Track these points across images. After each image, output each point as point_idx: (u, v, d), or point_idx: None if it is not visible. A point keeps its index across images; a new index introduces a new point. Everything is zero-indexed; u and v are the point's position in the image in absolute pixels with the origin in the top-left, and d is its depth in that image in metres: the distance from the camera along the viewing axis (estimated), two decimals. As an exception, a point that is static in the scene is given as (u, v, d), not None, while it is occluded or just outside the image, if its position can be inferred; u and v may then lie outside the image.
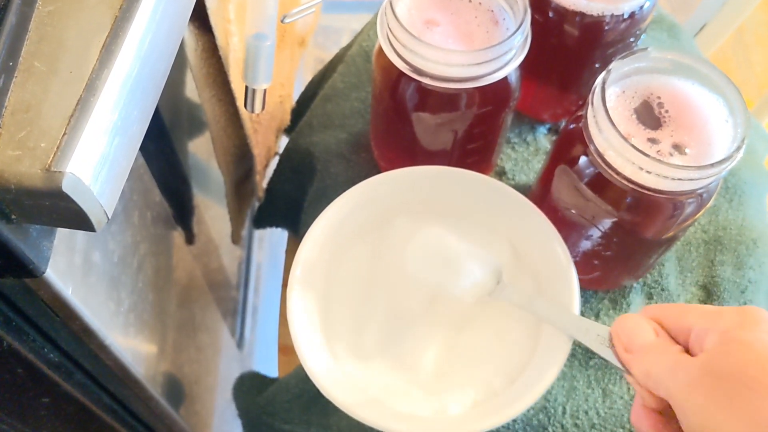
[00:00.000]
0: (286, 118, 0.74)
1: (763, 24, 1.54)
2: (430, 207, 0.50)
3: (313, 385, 0.43)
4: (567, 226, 0.49)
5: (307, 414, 0.57)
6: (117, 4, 0.30)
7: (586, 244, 0.51)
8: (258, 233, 1.07)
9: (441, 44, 0.48)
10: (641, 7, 0.52)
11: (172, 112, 0.59)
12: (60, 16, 0.29)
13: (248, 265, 1.01)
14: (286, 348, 0.71)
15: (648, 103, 0.45)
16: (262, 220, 0.78)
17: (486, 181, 0.49)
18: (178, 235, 0.63)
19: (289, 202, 0.72)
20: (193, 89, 0.57)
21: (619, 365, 0.37)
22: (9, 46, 0.28)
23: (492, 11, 0.50)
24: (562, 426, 0.52)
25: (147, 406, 0.52)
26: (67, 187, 0.26)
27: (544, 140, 0.65)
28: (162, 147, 0.57)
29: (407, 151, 0.57)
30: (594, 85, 0.43)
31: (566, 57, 0.57)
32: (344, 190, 0.48)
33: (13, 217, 0.28)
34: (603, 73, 0.43)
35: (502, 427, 0.52)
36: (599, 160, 0.43)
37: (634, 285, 0.58)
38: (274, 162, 0.74)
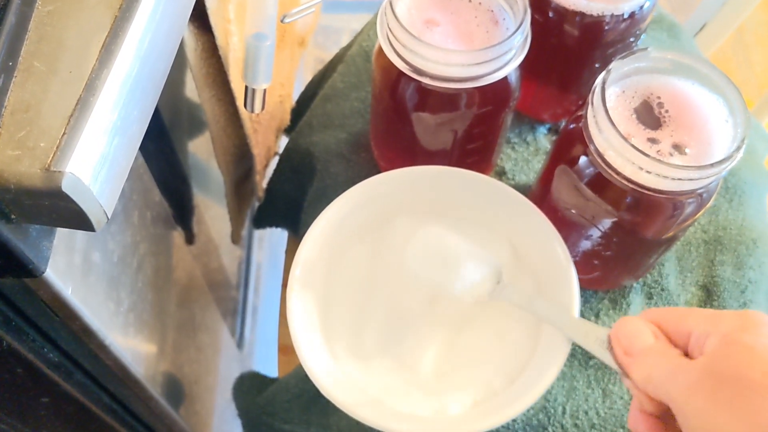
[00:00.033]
0: (286, 118, 0.74)
1: (763, 24, 1.54)
2: (429, 207, 0.50)
3: (313, 385, 0.43)
4: (567, 226, 0.49)
5: (307, 414, 0.57)
6: (117, 4, 0.30)
7: (586, 244, 0.51)
8: (258, 233, 1.07)
9: (441, 44, 0.48)
10: (641, 7, 0.52)
11: (171, 111, 0.59)
12: (60, 16, 0.29)
13: (248, 265, 1.01)
14: (286, 348, 0.71)
15: (648, 103, 0.45)
16: (261, 220, 0.78)
17: (486, 181, 0.49)
18: (177, 235, 0.63)
19: (288, 202, 0.72)
20: (192, 89, 0.57)
21: (617, 368, 0.37)
22: (9, 45, 0.28)
23: (492, 11, 0.50)
24: (562, 426, 0.52)
25: (147, 406, 0.52)
26: (66, 187, 0.26)
27: (544, 140, 0.65)
28: (162, 147, 0.57)
29: (407, 151, 0.57)
30: (594, 85, 0.43)
31: (566, 57, 0.57)
32: (344, 190, 0.48)
33: (13, 216, 0.28)
34: (603, 73, 0.43)
35: (502, 427, 0.52)
36: (599, 160, 0.43)
37: (634, 285, 0.58)
38: (274, 162, 0.74)
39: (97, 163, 0.28)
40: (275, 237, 1.13)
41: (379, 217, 0.50)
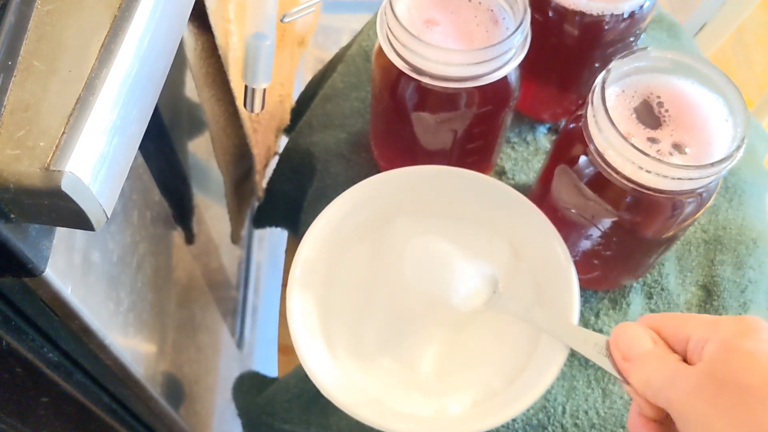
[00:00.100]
0: (286, 118, 0.74)
1: (763, 24, 1.54)
2: (430, 207, 0.50)
3: (313, 385, 0.43)
4: (567, 226, 0.49)
5: (306, 414, 0.57)
6: (116, 4, 0.30)
7: (585, 244, 0.51)
8: (258, 233, 1.07)
9: (441, 44, 0.48)
10: (641, 7, 0.52)
11: (171, 111, 0.59)
12: (59, 15, 0.29)
13: (248, 264, 1.01)
14: (286, 348, 0.71)
15: (648, 102, 0.45)
16: (261, 220, 0.78)
17: (486, 181, 0.49)
18: (177, 235, 0.63)
19: (288, 201, 0.72)
20: (192, 89, 0.57)
21: (616, 374, 0.37)
22: (8, 45, 0.28)
23: (492, 11, 0.50)
24: (562, 426, 0.52)
25: (147, 405, 0.52)
26: (66, 187, 0.26)
27: (544, 140, 0.65)
28: (161, 146, 0.57)
29: (407, 151, 0.57)
30: (594, 85, 0.43)
31: (566, 56, 0.57)
32: (344, 190, 0.48)
33: (12, 216, 0.28)
34: (603, 73, 0.43)
35: (502, 427, 0.52)
36: (599, 160, 0.43)
37: (634, 285, 0.58)
38: (274, 162, 0.74)
39: (97, 162, 0.27)
40: (275, 237, 1.13)
41: (379, 217, 0.50)
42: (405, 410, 0.44)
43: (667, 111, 0.45)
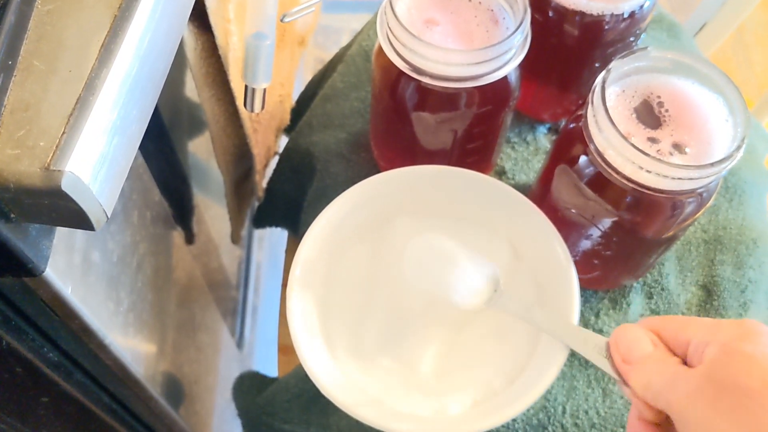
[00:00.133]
0: (286, 118, 0.74)
1: (763, 24, 1.54)
2: (430, 207, 0.50)
3: (313, 385, 0.43)
4: (567, 226, 0.49)
5: (306, 414, 0.57)
6: (116, 3, 0.30)
7: (586, 244, 0.51)
8: (258, 233, 1.07)
9: (441, 43, 0.48)
10: (641, 7, 0.52)
11: (171, 111, 0.59)
12: (59, 15, 0.29)
13: (248, 264, 1.01)
14: (286, 348, 0.71)
15: (648, 102, 0.45)
16: (261, 220, 0.78)
17: (486, 181, 0.49)
18: (177, 235, 0.63)
19: (288, 201, 0.72)
20: (192, 89, 0.57)
21: (616, 376, 0.37)
22: (8, 44, 0.28)
23: (492, 10, 0.50)
24: (562, 425, 0.52)
25: (146, 405, 0.52)
26: (66, 186, 0.26)
27: (544, 140, 0.65)
28: (161, 146, 0.57)
29: (407, 151, 0.57)
30: (594, 85, 0.43)
31: (566, 56, 0.57)
32: (344, 190, 0.48)
33: (13, 216, 0.28)
34: (603, 73, 0.43)
35: (502, 426, 0.52)
36: (599, 160, 0.43)
37: (634, 284, 0.58)
38: (274, 161, 0.74)
39: (97, 162, 0.27)
40: (275, 237, 1.13)
41: (379, 217, 0.50)
42: (405, 410, 0.44)
43: (667, 111, 0.45)
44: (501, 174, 0.63)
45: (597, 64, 0.56)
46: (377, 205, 0.50)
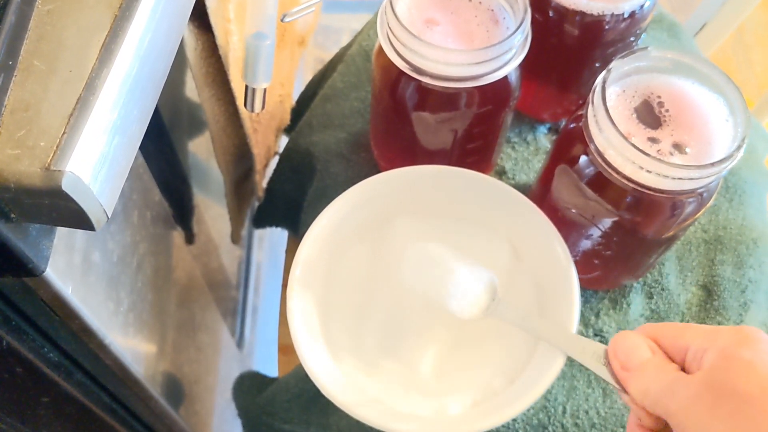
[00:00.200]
0: (286, 118, 0.74)
1: (763, 24, 1.54)
2: (430, 207, 0.50)
3: (313, 385, 0.43)
4: (567, 226, 0.49)
5: (306, 414, 0.57)
6: (116, 3, 0.30)
7: (586, 244, 0.51)
8: (258, 233, 1.07)
9: (441, 43, 0.48)
10: (641, 7, 0.52)
11: (171, 111, 0.59)
12: (59, 15, 0.29)
13: (248, 264, 1.01)
14: (286, 348, 0.71)
15: (648, 102, 0.45)
16: (261, 220, 0.78)
17: (486, 181, 0.49)
18: (177, 235, 0.63)
19: (288, 201, 0.72)
20: (192, 89, 0.57)
21: (615, 383, 0.37)
22: (8, 44, 0.28)
23: (492, 10, 0.50)
24: (562, 425, 0.52)
25: (147, 405, 0.52)
26: (66, 186, 0.26)
27: (544, 140, 0.65)
28: (162, 146, 0.57)
29: (407, 151, 0.57)
30: (594, 85, 0.43)
31: (566, 56, 0.57)
32: (344, 190, 0.48)
33: (13, 216, 0.28)
34: (603, 73, 0.43)
35: (502, 426, 0.52)
36: (599, 160, 0.43)
37: (634, 284, 0.58)
38: (274, 161, 0.74)
39: (97, 162, 0.27)
40: (275, 237, 1.13)
41: (379, 217, 0.50)
42: (405, 410, 0.44)
43: (667, 111, 0.45)
44: (501, 174, 0.63)
45: (597, 64, 0.56)
46: (377, 205, 0.50)
